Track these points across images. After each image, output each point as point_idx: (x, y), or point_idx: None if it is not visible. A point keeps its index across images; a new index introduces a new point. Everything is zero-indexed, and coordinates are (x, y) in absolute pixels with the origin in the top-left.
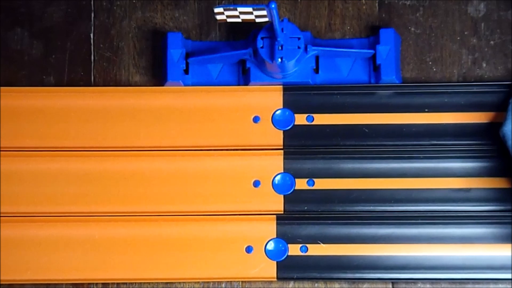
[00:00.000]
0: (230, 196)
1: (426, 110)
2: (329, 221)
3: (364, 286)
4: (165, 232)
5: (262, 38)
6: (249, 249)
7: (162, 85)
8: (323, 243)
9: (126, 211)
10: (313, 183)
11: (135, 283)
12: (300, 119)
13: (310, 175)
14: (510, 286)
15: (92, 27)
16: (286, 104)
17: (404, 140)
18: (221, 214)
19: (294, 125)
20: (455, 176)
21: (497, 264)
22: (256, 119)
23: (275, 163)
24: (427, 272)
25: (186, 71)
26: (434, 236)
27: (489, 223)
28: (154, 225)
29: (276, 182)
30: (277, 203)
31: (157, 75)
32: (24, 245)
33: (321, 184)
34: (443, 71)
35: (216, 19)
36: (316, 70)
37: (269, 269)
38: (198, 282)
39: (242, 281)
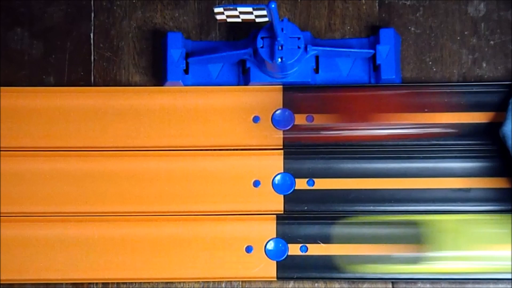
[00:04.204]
0: (230, 196)
1: (426, 110)
2: (329, 221)
3: (364, 286)
4: (165, 232)
5: (262, 38)
6: (249, 249)
7: (162, 85)
8: (323, 243)
9: (126, 211)
10: (313, 183)
11: (135, 283)
12: (300, 119)
13: (310, 175)
14: (510, 286)
15: (92, 27)
16: (286, 104)
17: (404, 140)
18: (221, 214)
19: (294, 125)
20: (455, 176)
21: (497, 264)
22: (256, 119)
23: (275, 163)
24: (427, 272)
25: (186, 71)
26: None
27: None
28: (154, 225)
29: (276, 182)
30: (277, 203)
31: (157, 75)
32: (24, 245)
33: (321, 184)
34: (443, 71)
35: (216, 19)
36: (316, 70)
37: (269, 269)
38: (198, 282)
39: (242, 281)
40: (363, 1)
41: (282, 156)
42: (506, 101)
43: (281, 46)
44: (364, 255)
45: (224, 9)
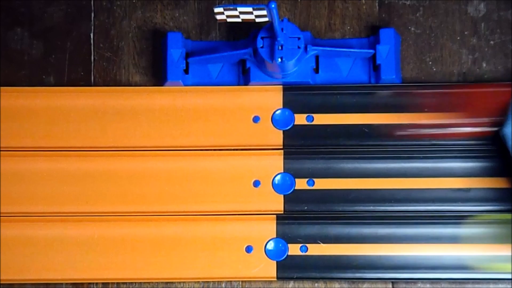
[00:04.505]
0: (230, 196)
1: (426, 110)
2: (329, 221)
3: (364, 286)
4: (165, 232)
5: (262, 38)
6: (249, 249)
7: (162, 85)
8: (323, 243)
9: (126, 211)
10: (313, 183)
11: (135, 283)
12: (300, 119)
13: (310, 175)
14: (510, 286)
15: (92, 27)
16: (286, 104)
17: (404, 140)
18: (221, 214)
19: (294, 125)
20: (455, 176)
21: (497, 264)
22: (256, 119)
23: (275, 163)
24: (427, 272)
25: (186, 71)
26: (434, 236)
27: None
28: (154, 225)
29: (276, 182)
30: (277, 203)
31: (157, 75)
32: (24, 245)
33: (321, 184)
34: (443, 71)
35: (216, 19)
36: (316, 70)
37: (269, 269)
38: (198, 282)
39: (242, 281)
40: (363, 1)
41: (282, 156)
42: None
43: (281, 46)
44: (364, 255)
45: (224, 9)
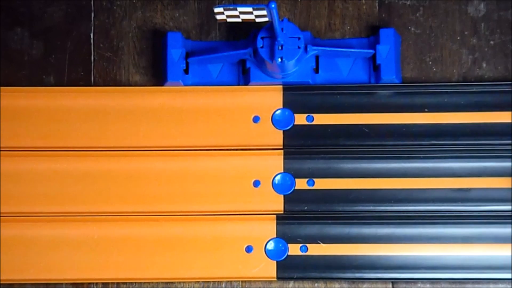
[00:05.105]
0: (230, 196)
1: (426, 110)
2: (329, 221)
3: (364, 286)
4: (165, 232)
5: (262, 38)
6: (249, 249)
7: (162, 85)
8: (323, 243)
9: (126, 211)
10: (313, 183)
11: (135, 283)
12: (300, 119)
13: (310, 175)
14: (510, 286)
15: (92, 27)
16: (286, 104)
17: (404, 140)
18: (221, 214)
19: (294, 125)
20: (455, 176)
21: (497, 264)
22: (256, 119)
23: (275, 163)
24: (427, 272)
25: (186, 71)
26: (434, 236)
27: (489, 223)
28: (154, 225)
29: (276, 182)
30: (277, 203)
31: (157, 75)
32: (24, 245)
33: (321, 184)
34: (443, 71)
35: (216, 19)
36: (316, 70)
37: (269, 269)
38: (198, 282)
39: (242, 281)
40: (363, 1)
41: (282, 156)
42: (507, 101)
43: (281, 46)
44: (364, 255)
45: (224, 9)
